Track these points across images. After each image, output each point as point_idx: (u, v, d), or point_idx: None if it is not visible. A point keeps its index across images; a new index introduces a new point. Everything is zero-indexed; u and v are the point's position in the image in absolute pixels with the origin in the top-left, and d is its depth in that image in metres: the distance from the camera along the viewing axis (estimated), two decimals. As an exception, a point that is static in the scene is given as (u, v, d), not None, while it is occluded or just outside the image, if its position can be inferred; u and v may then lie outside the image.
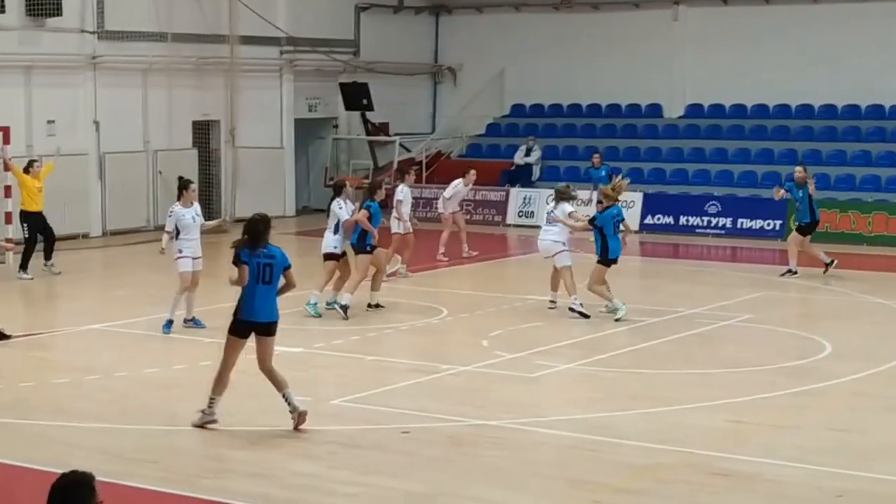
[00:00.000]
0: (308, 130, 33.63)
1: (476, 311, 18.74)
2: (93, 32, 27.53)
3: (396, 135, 34.06)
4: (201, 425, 11.96)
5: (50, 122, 26.85)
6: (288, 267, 12.09)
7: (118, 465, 10.76)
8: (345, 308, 17.93)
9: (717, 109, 33.07)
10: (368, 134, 34.16)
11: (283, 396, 11.97)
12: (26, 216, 22.02)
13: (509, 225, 30.24)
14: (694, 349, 16.19)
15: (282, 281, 12.10)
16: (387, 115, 34.25)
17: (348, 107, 33.56)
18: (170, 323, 16.79)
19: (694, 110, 33.35)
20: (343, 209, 18.15)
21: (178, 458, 11.18)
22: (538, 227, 29.43)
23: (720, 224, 28.69)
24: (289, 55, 32.06)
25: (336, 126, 34.24)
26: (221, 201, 30.39)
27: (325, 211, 19.21)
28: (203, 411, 12.01)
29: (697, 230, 28.83)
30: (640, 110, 34.01)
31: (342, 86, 33.29)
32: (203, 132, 30.33)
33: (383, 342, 16.55)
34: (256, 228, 12.07)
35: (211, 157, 30.52)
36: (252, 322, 11.90)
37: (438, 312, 18.63)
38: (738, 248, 27.18)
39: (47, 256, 22.06)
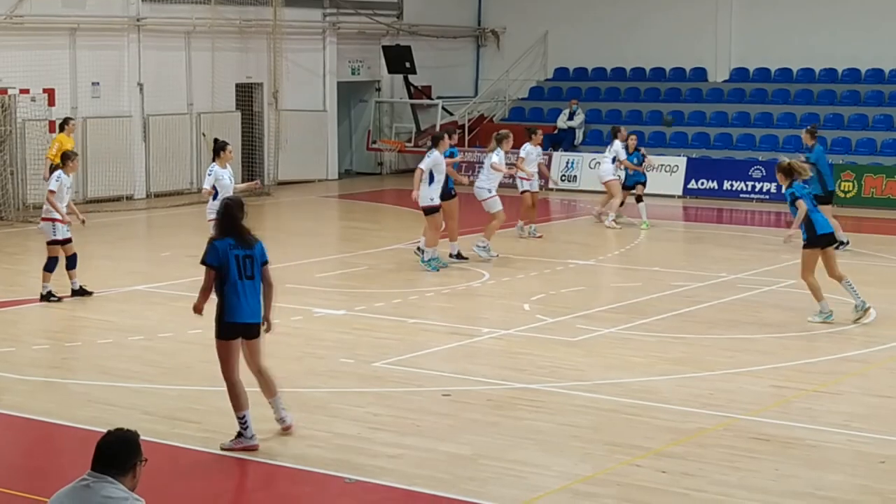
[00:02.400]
0: (351, 93, 33.62)
1: (518, 274, 18.72)
2: (137, -6, 27.62)
3: (439, 98, 33.98)
4: (235, 450, 10.34)
5: (94, 84, 26.97)
6: (265, 262, 10.56)
7: (161, 426, 10.85)
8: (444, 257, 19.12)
9: (762, 73, 32.77)
10: (411, 97, 34.11)
11: (270, 404, 10.70)
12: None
13: (551, 189, 30.14)
14: (737, 314, 16.11)
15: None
16: (429, 78, 34.18)
17: (391, 70, 33.50)
18: None
19: (739, 74, 33.06)
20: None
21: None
22: (581, 191, 29.60)
23: (764, 189, 28.49)
24: (332, 18, 32.02)
25: (379, 89, 34.20)
26: (264, 164, 30.45)
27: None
28: (239, 434, 10.42)
29: (741, 195, 28.64)
30: (685, 74, 33.75)
31: (385, 49, 33.23)
32: (246, 95, 30.39)
33: (425, 305, 16.56)
34: (232, 214, 10.45)
35: (254, 120, 30.58)
36: (236, 323, 10.39)
37: (480, 276, 18.62)
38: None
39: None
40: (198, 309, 10.64)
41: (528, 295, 16.97)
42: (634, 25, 33.69)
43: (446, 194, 19.02)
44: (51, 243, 16.36)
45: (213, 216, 16.80)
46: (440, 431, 10.91)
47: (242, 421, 10.40)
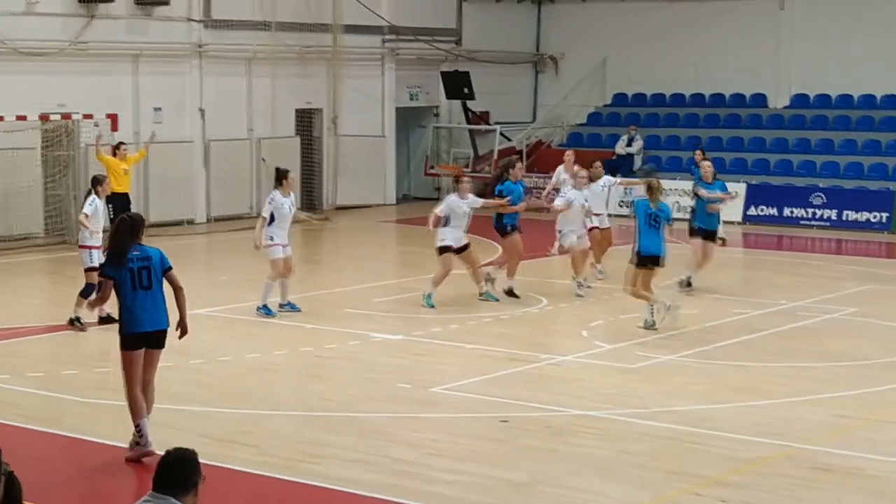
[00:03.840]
0: (409, 119, 33.74)
1: (576, 300, 18.66)
2: (199, 21, 27.89)
3: (497, 123, 34.02)
4: (136, 459, 10.58)
5: (156, 109, 27.25)
6: (168, 269, 10.73)
7: (218, 448, 10.89)
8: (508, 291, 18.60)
9: (823, 99, 32.54)
10: (469, 122, 34.17)
11: (138, 425, 10.60)
12: (111, 197, 22.04)
13: (610, 215, 29.96)
14: (797, 342, 15.96)
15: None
16: (487, 103, 34.22)
17: (449, 95, 33.59)
18: (267, 307, 16.97)
19: (799, 100, 32.85)
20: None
21: (277, 443, 11.29)
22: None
23: (825, 216, 28.25)
24: (391, 44, 32.18)
25: (437, 115, 34.30)
26: (323, 189, 30.62)
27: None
28: (136, 442, 10.64)
29: (802, 222, 28.41)
30: (745, 100, 33.58)
31: (443, 74, 33.34)
32: (306, 120, 30.59)
33: (483, 331, 16.54)
34: (120, 231, 10.64)
35: (313, 145, 30.76)
36: (138, 333, 10.57)
37: (538, 302, 18.58)
38: (844, 241, 26.74)
39: None
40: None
41: (587, 321, 16.91)
42: (694, 51, 33.57)
43: (506, 230, 18.83)
44: (88, 270, 16.35)
45: (269, 241, 16.94)
46: (498, 457, 10.89)
47: (139, 429, 10.62)
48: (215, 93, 28.22)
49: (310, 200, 29.95)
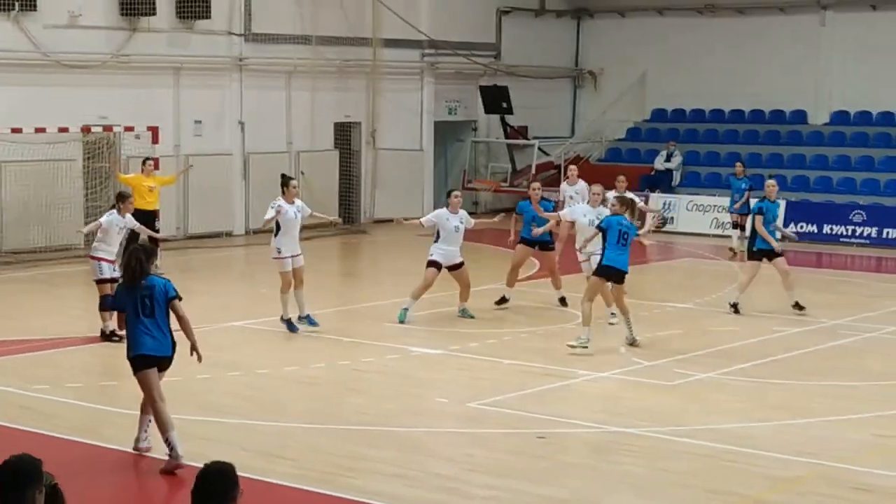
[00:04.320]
0: (447, 133, 33.79)
1: (613, 317, 18.58)
2: (240, 35, 28.05)
3: (535, 138, 34.02)
4: (169, 471, 10.78)
5: (197, 122, 27.41)
6: (173, 298, 11.00)
7: (256, 461, 10.91)
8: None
9: (863, 116, 32.35)
10: (507, 137, 34.18)
11: (166, 439, 10.82)
12: (135, 214, 22.01)
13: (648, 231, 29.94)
14: (837, 361, 15.86)
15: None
16: (526, 118, 34.23)
17: (488, 110, 33.61)
18: (289, 321, 16.85)
19: (840, 117, 32.68)
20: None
21: (316, 456, 11.30)
22: (678, 233, 29.38)
23: (865, 233, 28.07)
24: (430, 58, 32.25)
25: (475, 129, 34.33)
26: (361, 202, 30.69)
27: (471, 212, 19.26)
28: (170, 455, 10.82)
29: (842, 239, 28.24)
30: (785, 116, 33.44)
31: (482, 89, 33.37)
32: (344, 133, 30.69)
33: (520, 346, 16.52)
34: (130, 265, 11.01)
35: (351, 159, 30.85)
36: (141, 355, 10.91)
37: (575, 317, 18.52)
38: (884, 259, 26.56)
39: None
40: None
41: (625, 337, 16.84)
42: (734, 67, 33.47)
43: (542, 244, 18.94)
44: (98, 282, 16.35)
45: (276, 254, 16.75)
46: (536, 474, 10.86)
47: (167, 442, 10.82)
48: (255, 106, 28.36)
49: (348, 214, 30.01)
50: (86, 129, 24.11)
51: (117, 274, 16.11)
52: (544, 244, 19.22)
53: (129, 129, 24.70)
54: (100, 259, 16.35)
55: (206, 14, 26.77)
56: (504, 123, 33.99)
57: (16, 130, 22.73)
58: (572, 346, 15.75)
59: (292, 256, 16.88)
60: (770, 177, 22.37)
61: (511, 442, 11.90)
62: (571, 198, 21.71)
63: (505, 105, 33.18)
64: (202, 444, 11.48)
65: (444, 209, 18.29)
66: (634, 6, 35.16)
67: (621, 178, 21.00)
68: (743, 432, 12.31)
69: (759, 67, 33.14)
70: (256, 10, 28.23)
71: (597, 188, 18.47)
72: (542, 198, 19.31)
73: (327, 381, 14.46)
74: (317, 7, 28.97)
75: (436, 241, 18.08)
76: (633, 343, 16.31)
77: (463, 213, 18.25)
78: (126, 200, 16.84)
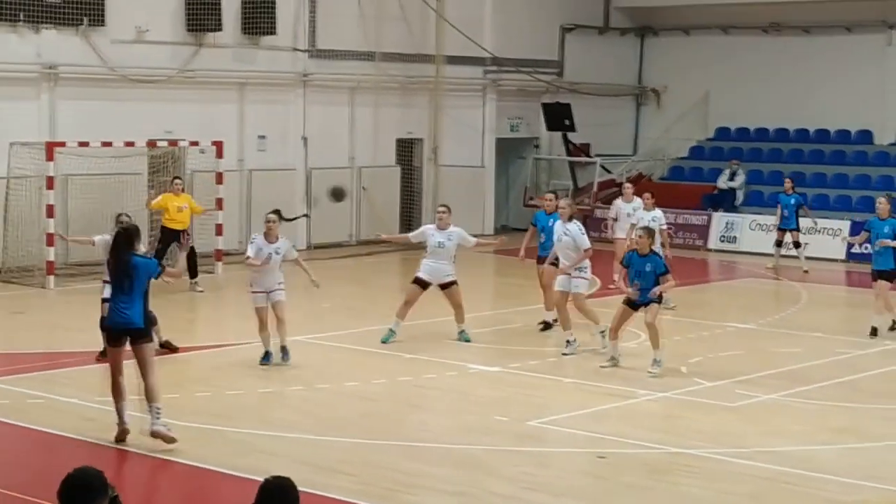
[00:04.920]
0: (509, 150, 33.79)
1: (675, 336, 18.49)
2: (304, 51, 28.24)
3: (597, 156, 33.94)
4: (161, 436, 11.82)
5: (261, 137, 27.62)
6: (155, 275, 12.18)
7: (316, 476, 10.95)
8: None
9: (931, 136, 31.99)
10: (569, 154, 34.14)
11: (123, 408, 12.07)
12: (162, 231, 22.08)
13: (710, 249, 29.81)
14: (902, 384, 15.67)
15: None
16: (588, 135, 34.15)
17: (550, 127, 33.59)
18: (266, 353, 15.85)
19: (906, 137, 32.33)
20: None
21: (376, 472, 11.33)
22: (740, 252, 29.18)
23: (932, 255, 27.66)
24: (493, 75, 32.29)
25: (537, 146, 34.31)
26: (422, 219, 30.72)
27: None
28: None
29: (907, 260, 27.85)
30: (850, 136, 33.12)
31: (545, 106, 33.36)
32: (406, 150, 30.79)
33: (580, 365, 16.46)
34: (117, 244, 12.20)
35: (413, 175, 30.94)
36: (109, 326, 12.17)
37: (636, 336, 18.44)
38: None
39: (192, 275, 21.87)
40: None
41: (686, 357, 16.75)
42: (799, 86, 33.20)
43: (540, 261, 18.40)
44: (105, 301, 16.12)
45: (249, 287, 15.98)
46: (596, 494, 10.82)
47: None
48: (318, 121, 28.52)
49: (409, 230, 30.01)
50: (151, 144, 24.36)
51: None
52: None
53: (194, 143, 24.93)
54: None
55: (271, 30, 26.98)
56: (566, 141, 33.95)
57: (83, 144, 23.00)
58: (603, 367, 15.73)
59: (267, 292, 15.81)
60: (792, 187, 22.66)
61: (570, 461, 11.87)
62: (629, 215, 21.58)
63: (567, 122, 33.13)
64: (264, 458, 11.55)
65: (433, 224, 17.88)
66: (699, 24, 35.00)
67: (647, 195, 21.42)
68: (806, 455, 12.19)
69: (825, 86, 32.86)
70: (321, 27, 28.42)
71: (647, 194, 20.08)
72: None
73: (387, 398, 14.49)
74: (381, 24, 29.11)
75: (425, 258, 17.76)
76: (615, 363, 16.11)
77: (456, 231, 17.66)
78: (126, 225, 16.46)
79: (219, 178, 24.59)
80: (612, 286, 21.59)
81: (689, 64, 35.01)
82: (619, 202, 22.87)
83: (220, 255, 24.53)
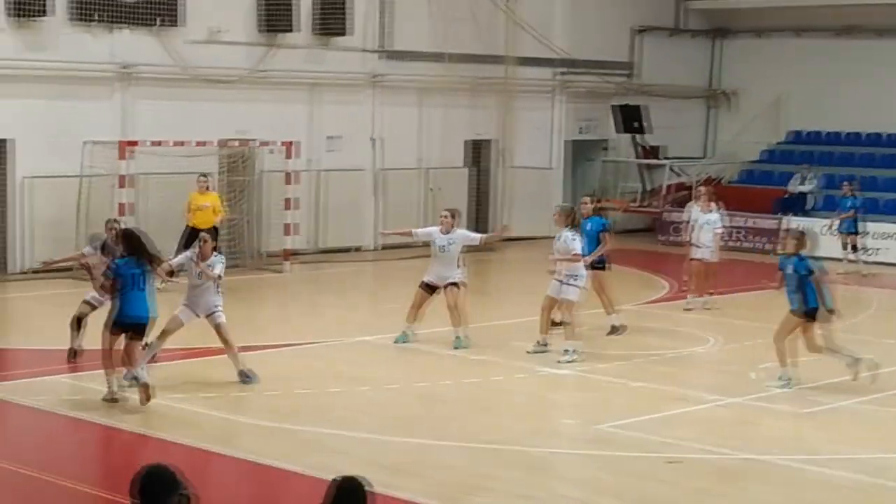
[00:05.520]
0: (578, 152, 33.66)
1: (745, 341, 18.33)
2: (375, 52, 28.31)
3: (667, 158, 33.72)
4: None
5: (330, 137, 27.73)
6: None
7: (384, 476, 10.93)
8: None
9: None
10: (639, 157, 33.94)
11: (113, 376, 13.53)
12: (189, 229, 21.85)
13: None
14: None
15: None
16: (659, 138, 33.93)
17: (620, 129, 33.40)
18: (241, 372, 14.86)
19: (980, 141, 31.84)
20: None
21: (443, 473, 11.33)
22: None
23: None
24: (563, 76, 32.19)
25: (606, 148, 34.15)
26: (491, 220, 30.70)
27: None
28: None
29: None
30: (924, 140, 32.69)
31: (615, 108, 33.20)
32: (476, 151, 30.76)
33: (649, 369, 16.35)
34: (132, 243, 13.79)
35: (482, 177, 30.91)
36: (123, 322, 13.43)
37: (705, 341, 18.32)
38: None
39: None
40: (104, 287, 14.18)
41: (756, 362, 16.55)
42: (872, 90, 32.76)
43: (593, 264, 17.95)
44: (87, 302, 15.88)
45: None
46: (665, 499, 10.75)
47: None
48: (388, 122, 28.58)
49: (478, 231, 30.00)
50: (223, 144, 24.54)
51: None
52: (595, 264, 18.50)
53: (265, 143, 25.08)
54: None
55: (343, 31, 27.08)
56: (636, 143, 33.77)
57: (156, 143, 23.23)
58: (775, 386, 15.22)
59: (206, 315, 14.90)
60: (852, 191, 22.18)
61: (639, 466, 11.79)
62: (708, 224, 21.19)
63: (637, 124, 32.94)
64: (332, 458, 11.59)
65: (437, 227, 17.59)
66: (772, 27, 34.66)
67: (704, 196, 21.55)
68: (880, 463, 12.02)
69: (898, 91, 32.43)
70: (392, 28, 28.48)
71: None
72: (599, 213, 18.77)
73: (455, 399, 14.48)
74: (451, 24, 29.10)
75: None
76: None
77: (458, 233, 17.37)
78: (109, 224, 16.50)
79: (289, 179, 24.72)
80: (684, 289, 21.56)
81: (762, 67, 34.67)
82: (695, 210, 22.46)
83: (288, 254, 24.65)
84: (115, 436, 12.56)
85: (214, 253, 15.23)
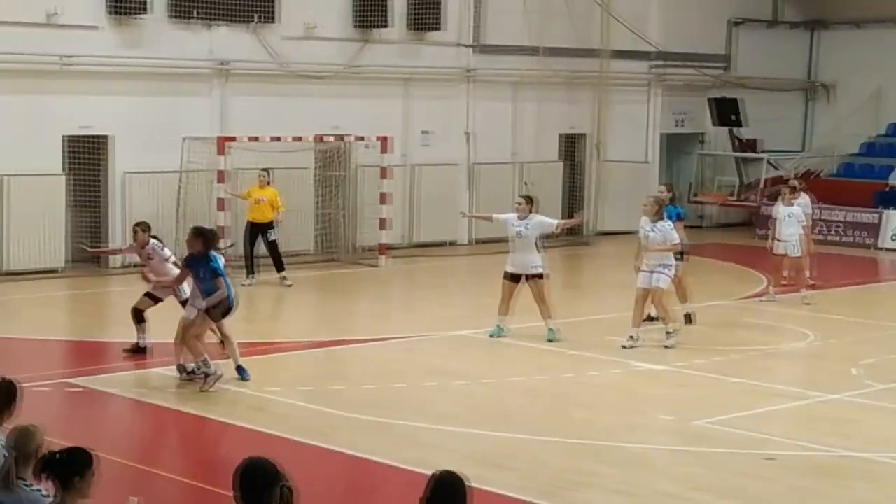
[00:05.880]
0: (674, 145, 33.38)
1: (846, 336, 18.06)
2: (469, 46, 28.32)
3: (765, 152, 33.31)
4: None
5: (425, 132, 27.80)
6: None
7: (481, 470, 10.93)
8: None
9: None
10: (736, 150, 33.58)
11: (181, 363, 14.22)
12: (249, 226, 22.00)
13: (881, 248, 29.01)
14: None
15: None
16: (756, 131, 33.52)
17: (717, 122, 33.06)
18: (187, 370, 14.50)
19: None
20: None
21: (540, 468, 11.32)
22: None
23: None
24: (658, 69, 31.94)
25: (702, 141, 33.82)
26: (585, 214, 30.55)
27: (697, 225, 18.71)
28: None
29: None
30: None
31: (712, 101, 32.86)
32: (570, 145, 30.65)
33: (747, 364, 16.16)
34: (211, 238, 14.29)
35: (576, 170, 30.79)
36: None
37: (805, 337, 18.08)
38: None
39: (278, 269, 21.72)
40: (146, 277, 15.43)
41: (857, 359, 16.31)
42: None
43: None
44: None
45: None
46: (764, 496, 10.63)
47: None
48: (482, 116, 28.58)
49: (572, 226, 29.90)
50: (319, 139, 24.72)
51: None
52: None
53: (359, 138, 25.21)
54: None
55: (437, 26, 27.13)
56: (733, 136, 33.41)
57: (253, 139, 23.46)
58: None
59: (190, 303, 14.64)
60: None
61: (738, 462, 11.67)
62: (790, 216, 20.88)
63: (734, 117, 32.57)
64: (429, 452, 11.63)
65: (513, 213, 17.54)
66: (871, 17, 34.05)
67: (786, 189, 21.53)
68: (985, 463, 11.78)
69: None
70: (486, 22, 28.46)
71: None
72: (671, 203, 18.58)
73: (551, 394, 14.44)
74: (545, 18, 29.01)
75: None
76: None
77: (536, 218, 17.19)
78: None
79: (384, 173, 24.82)
80: (784, 283, 21.34)
81: (861, 58, 34.07)
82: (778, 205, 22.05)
83: (383, 249, 24.77)
84: (213, 428, 12.71)
85: (152, 240, 15.73)
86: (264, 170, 22.24)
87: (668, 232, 16.77)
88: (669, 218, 17.88)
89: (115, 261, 22.92)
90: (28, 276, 21.73)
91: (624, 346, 16.61)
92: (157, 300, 15.65)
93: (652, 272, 16.75)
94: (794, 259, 20.56)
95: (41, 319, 18.10)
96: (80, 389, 14.03)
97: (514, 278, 17.27)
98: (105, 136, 23.43)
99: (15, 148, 22.07)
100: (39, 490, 6.75)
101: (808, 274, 21.07)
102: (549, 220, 17.71)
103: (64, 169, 22.93)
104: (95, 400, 13.84)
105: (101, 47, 23.01)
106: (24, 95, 22.25)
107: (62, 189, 22.66)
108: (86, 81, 22.80)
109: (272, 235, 21.78)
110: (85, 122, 22.96)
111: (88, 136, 23.22)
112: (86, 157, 23.26)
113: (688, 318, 18.30)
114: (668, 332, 16.76)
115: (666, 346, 16.53)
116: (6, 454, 7.15)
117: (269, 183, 22.07)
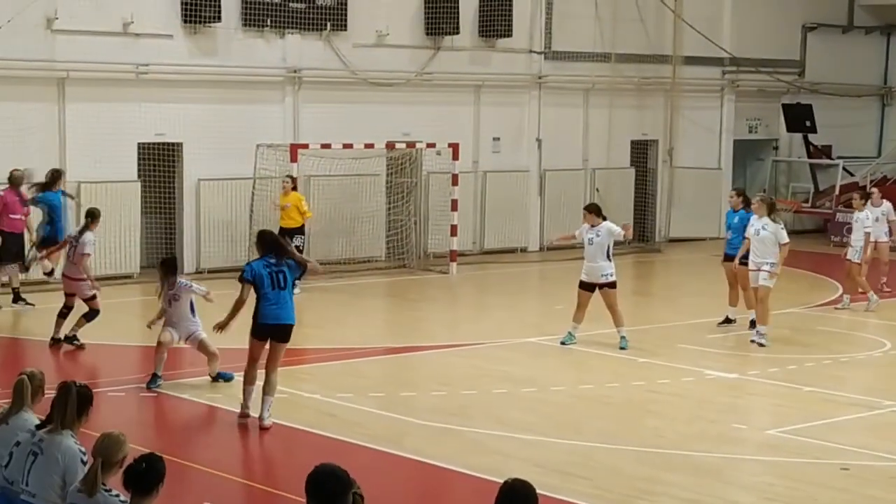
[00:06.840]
0: (746, 152, 33.11)
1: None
2: (540, 53, 28.28)
3: (839, 158, 32.95)
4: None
5: (495, 139, 27.80)
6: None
7: (552, 478, 10.94)
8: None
9: None
10: (810, 156, 33.24)
11: (263, 400, 12.71)
12: (280, 231, 21.98)
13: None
14: None
15: None
16: (830, 137, 33.18)
17: (790, 128, 32.78)
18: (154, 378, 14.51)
19: None
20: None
21: (611, 476, 11.26)
22: None
23: None
24: (731, 75, 31.70)
25: (776, 148, 33.53)
26: (656, 221, 30.42)
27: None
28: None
29: None
30: None
31: (785, 107, 32.57)
32: (641, 151, 30.51)
33: (822, 373, 15.99)
34: (270, 238, 12.94)
35: (647, 177, 30.64)
36: (268, 325, 12.58)
37: (881, 345, 17.85)
38: None
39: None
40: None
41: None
42: None
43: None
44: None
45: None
46: (838, 507, 10.50)
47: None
48: (552, 123, 28.53)
49: (642, 232, 29.82)
50: (390, 146, 24.81)
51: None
52: (742, 258, 18.03)
53: (430, 145, 25.27)
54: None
55: (507, 32, 27.13)
56: (807, 142, 33.08)
57: (325, 146, 23.60)
58: None
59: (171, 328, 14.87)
60: None
61: (813, 472, 11.54)
62: (857, 221, 20.81)
63: (808, 123, 32.28)
64: (499, 459, 11.63)
65: (585, 224, 17.51)
66: (948, 21, 33.61)
67: (855, 195, 21.77)
68: None
69: None
70: (556, 29, 28.42)
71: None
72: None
73: (622, 402, 14.38)
74: (616, 25, 28.93)
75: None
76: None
77: (605, 225, 17.12)
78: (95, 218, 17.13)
79: (454, 180, 24.86)
80: (886, 289, 21.79)
81: (938, 62, 33.64)
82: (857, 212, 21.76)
83: (454, 255, 24.80)
84: (284, 434, 12.78)
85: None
86: (288, 176, 22.29)
87: (780, 231, 17.56)
88: (742, 223, 17.99)
89: (189, 266, 23.13)
90: (103, 281, 21.93)
91: (752, 340, 17.46)
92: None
93: (759, 270, 17.44)
94: (854, 265, 20.58)
95: (115, 325, 18.31)
96: (155, 395, 14.19)
97: (588, 287, 17.27)
98: (179, 144, 23.68)
99: (91, 155, 22.38)
100: (118, 495, 6.86)
101: (862, 280, 20.77)
102: (617, 228, 17.69)
103: (139, 176, 23.22)
104: (169, 405, 13.98)
105: (175, 56, 23.27)
106: (100, 103, 22.55)
107: (137, 196, 22.94)
108: (160, 89, 23.07)
109: (297, 241, 21.80)
110: (160, 129, 23.24)
111: (162, 143, 23.48)
112: (160, 164, 23.52)
113: (727, 320, 18.78)
114: (760, 333, 17.38)
115: (760, 344, 17.23)
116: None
117: (294, 189, 22.07)
